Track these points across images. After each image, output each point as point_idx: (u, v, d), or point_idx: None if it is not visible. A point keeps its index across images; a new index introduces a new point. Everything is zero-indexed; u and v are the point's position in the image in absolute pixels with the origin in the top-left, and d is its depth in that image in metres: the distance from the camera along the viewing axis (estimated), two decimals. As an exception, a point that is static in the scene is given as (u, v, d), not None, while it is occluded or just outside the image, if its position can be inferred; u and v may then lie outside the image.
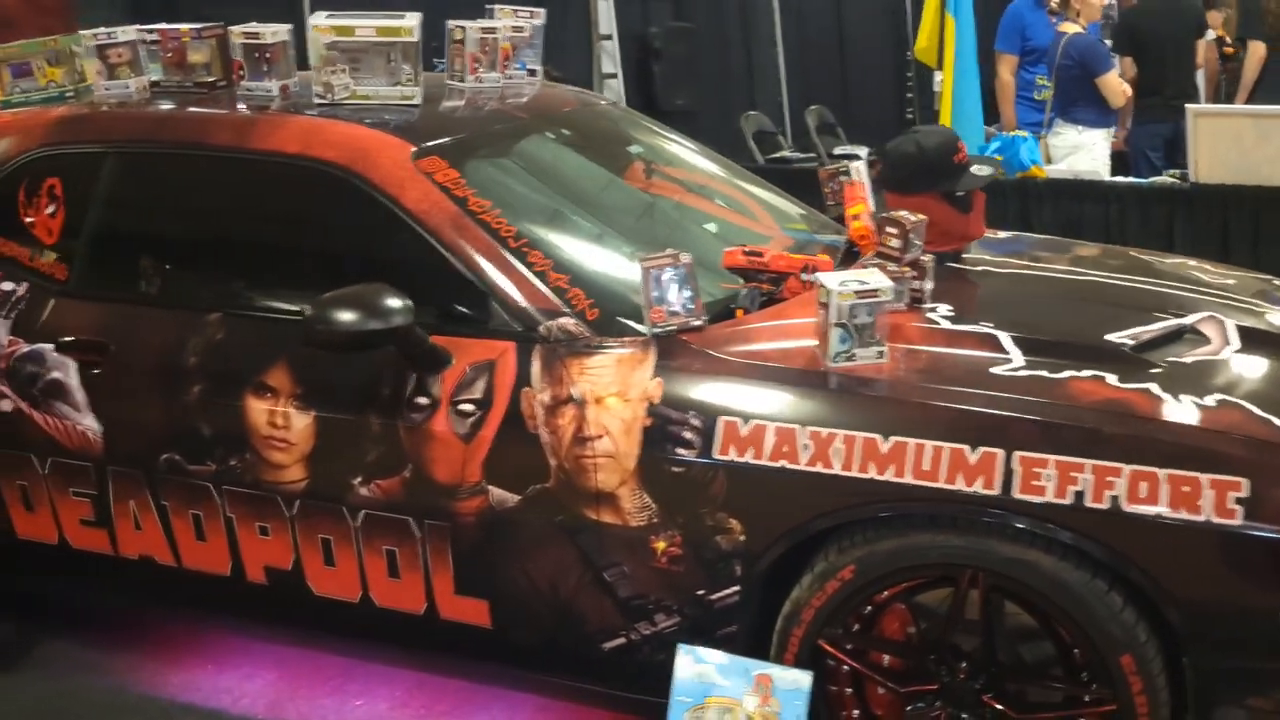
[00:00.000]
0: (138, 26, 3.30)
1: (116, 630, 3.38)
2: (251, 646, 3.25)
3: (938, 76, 5.67)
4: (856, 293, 2.41)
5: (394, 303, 2.50)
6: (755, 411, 2.38)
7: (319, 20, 2.96)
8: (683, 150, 3.62)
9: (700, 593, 2.47)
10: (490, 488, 2.56)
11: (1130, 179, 5.44)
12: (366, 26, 2.97)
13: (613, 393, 2.48)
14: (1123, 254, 3.56)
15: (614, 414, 2.46)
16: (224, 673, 3.20)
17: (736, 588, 2.44)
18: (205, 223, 3.03)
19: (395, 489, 2.64)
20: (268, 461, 2.74)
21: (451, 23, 3.27)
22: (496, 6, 3.59)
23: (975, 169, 2.98)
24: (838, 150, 8.84)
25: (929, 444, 2.27)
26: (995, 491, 2.22)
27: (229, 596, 2.94)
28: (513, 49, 3.48)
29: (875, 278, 2.46)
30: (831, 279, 2.45)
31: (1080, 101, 5.90)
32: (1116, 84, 5.82)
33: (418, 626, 2.74)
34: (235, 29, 3.11)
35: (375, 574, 2.73)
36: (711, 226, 3.20)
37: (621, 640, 2.57)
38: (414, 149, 2.80)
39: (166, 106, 3.10)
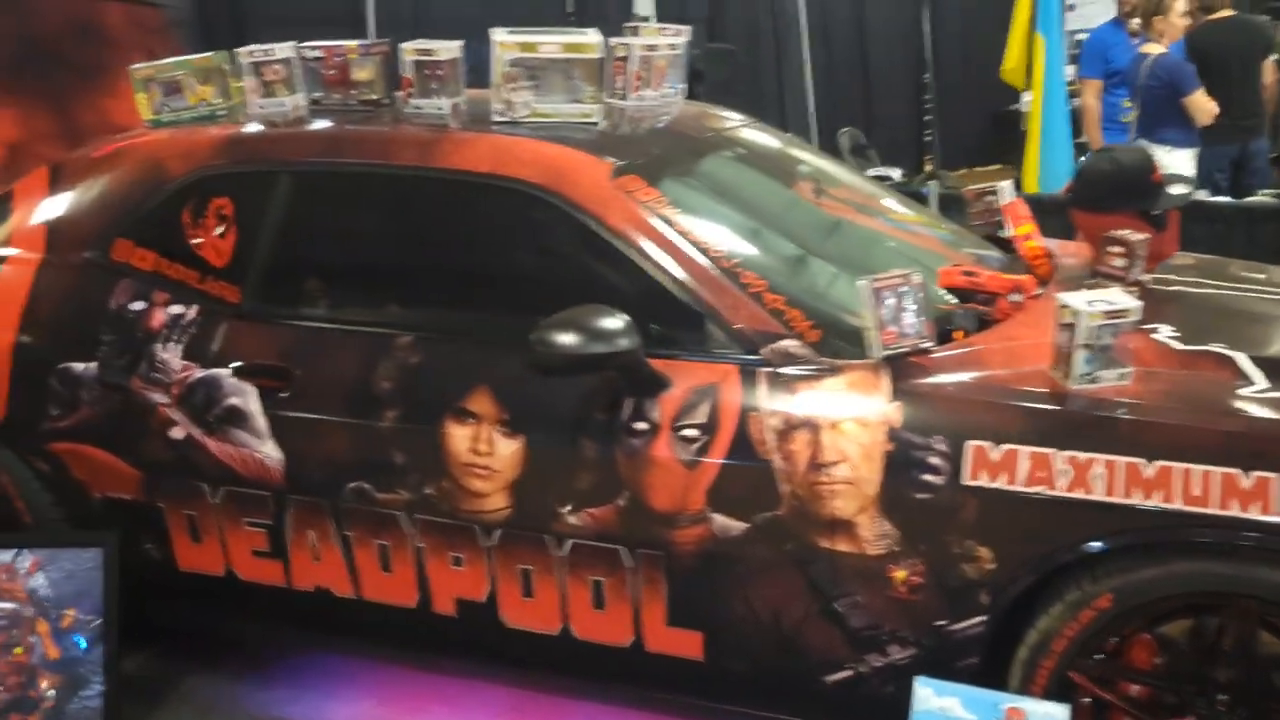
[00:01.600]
0: (294, 44, 3.22)
1: (256, 661, 3.28)
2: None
3: (1025, 97, 5.63)
4: (1105, 313, 2.34)
5: (618, 325, 2.42)
6: (1005, 436, 2.31)
7: (503, 36, 2.89)
8: (836, 168, 3.55)
9: (940, 623, 2.39)
10: (714, 515, 2.48)
11: (1231, 200, 5.41)
12: (551, 43, 2.90)
13: (849, 417, 2.40)
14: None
15: (852, 439, 2.39)
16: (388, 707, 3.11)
17: (982, 618, 2.36)
18: (389, 243, 2.95)
19: (608, 517, 2.55)
20: (467, 490, 2.65)
21: (615, 40, 3.20)
22: (640, 25, 3.53)
23: (1172, 188, 2.93)
24: (871, 172, 8.83)
25: (1198, 468, 2.20)
26: (1275, 517, 2.15)
27: (409, 629, 2.84)
28: (666, 67, 3.42)
29: (1121, 298, 2.40)
30: (1077, 299, 2.38)
31: (1167, 122, 5.87)
32: (1204, 103, 5.80)
33: (621, 659, 2.65)
34: (406, 45, 3.03)
35: (579, 605, 2.64)
36: (893, 245, 3.12)
37: (848, 673, 2.48)
38: (613, 167, 2.73)
39: (339, 125, 3.02)
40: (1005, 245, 3.29)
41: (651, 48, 3.30)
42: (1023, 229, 3.21)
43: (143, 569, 3.02)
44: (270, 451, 2.80)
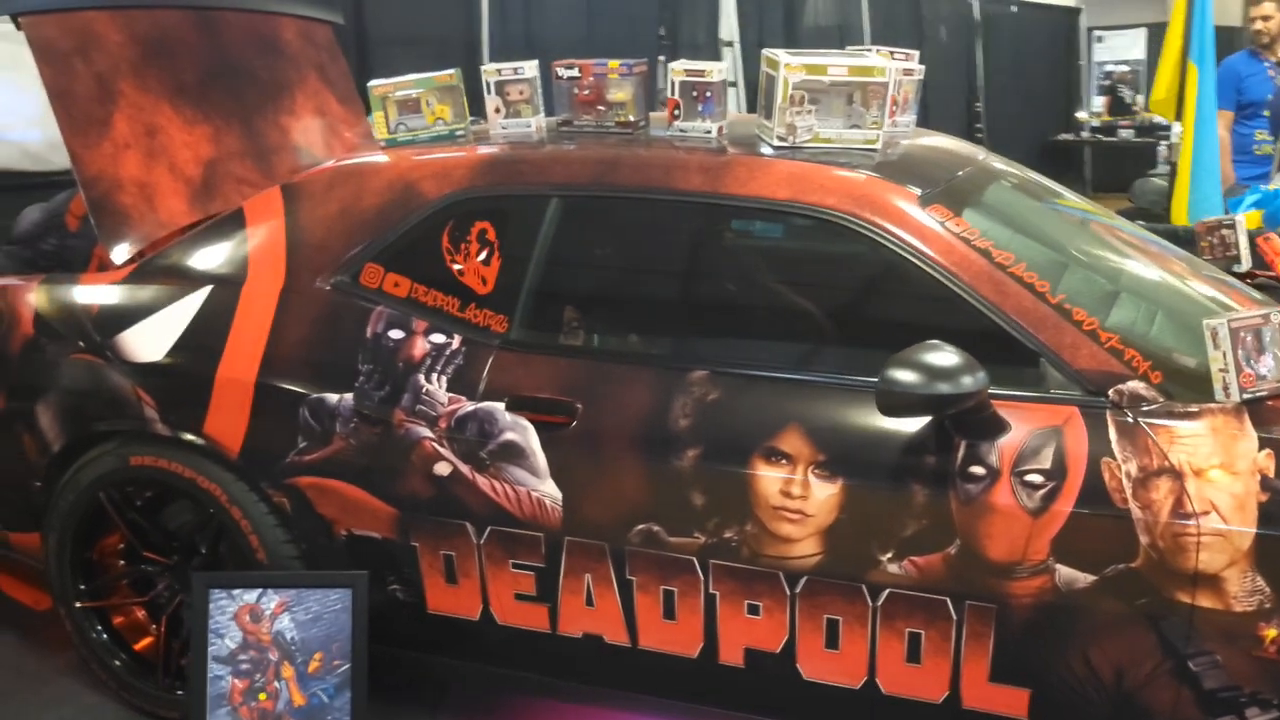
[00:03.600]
0: (535, 62, 3.10)
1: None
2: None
3: (1175, 129, 5.53)
4: None
5: (963, 364, 2.29)
6: (1397, 486, 2.18)
7: (788, 59, 2.76)
8: (1078, 198, 3.43)
9: (1311, 686, 2.25)
10: (1058, 566, 2.34)
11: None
12: (839, 66, 2.77)
13: (1215, 464, 2.27)
14: None
15: (1221, 488, 2.25)
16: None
17: (1361, 681, 2.23)
18: (675, 271, 2.81)
19: (934, 566, 2.41)
20: (774, 534, 2.51)
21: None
22: (874, 48, 3.41)
23: None
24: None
25: None
26: None
27: (683, 679, 2.69)
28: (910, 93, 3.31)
29: None
30: None
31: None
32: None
33: (931, 715, 2.51)
34: (675, 66, 2.90)
35: (889, 659, 2.50)
36: (1181, 280, 2.98)
37: (1195, 735, 2.34)
38: (919, 196, 2.60)
39: (610, 148, 2.88)
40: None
41: (910, 72, 3.20)
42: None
43: (383, 611, 2.87)
44: (549, 490, 2.66)
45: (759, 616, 2.57)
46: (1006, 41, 14.02)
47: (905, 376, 2.27)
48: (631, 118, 2.99)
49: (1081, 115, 13.48)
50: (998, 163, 3.29)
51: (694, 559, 2.58)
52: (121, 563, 3.24)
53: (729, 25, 8.97)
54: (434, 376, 2.76)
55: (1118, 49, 14.68)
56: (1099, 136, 12.81)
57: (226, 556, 3.08)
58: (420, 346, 2.80)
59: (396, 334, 2.82)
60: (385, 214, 2.91)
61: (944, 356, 2.27)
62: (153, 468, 3.00)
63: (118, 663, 3.16)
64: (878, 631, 2.49)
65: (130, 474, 3.04)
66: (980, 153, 3.31)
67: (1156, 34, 15.34)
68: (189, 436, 2.94)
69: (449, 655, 2.93)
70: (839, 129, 2.81)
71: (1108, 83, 13.92)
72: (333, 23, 4.32)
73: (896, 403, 2.29)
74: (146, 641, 3.21)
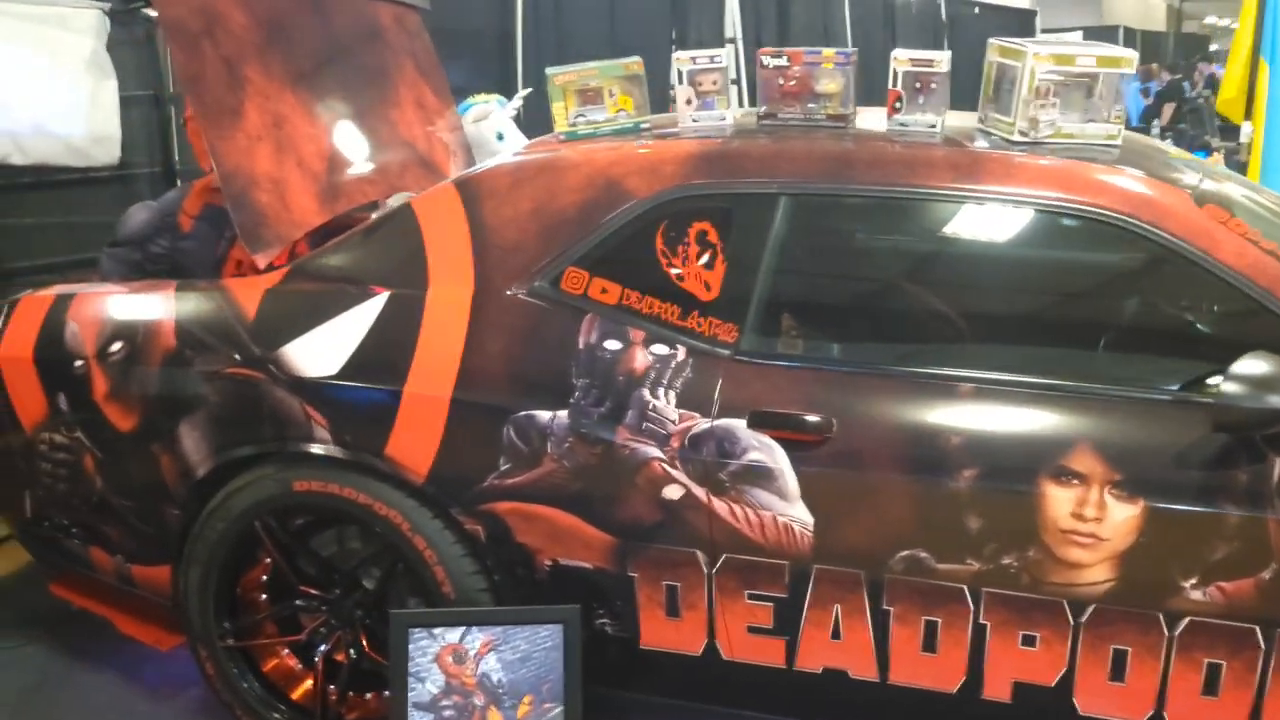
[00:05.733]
0: (725, 50, 2.88)
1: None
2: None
3: (1245, 128, 5.48)
4: None
5: None
6: None
7: (1036, 48, 2.58)
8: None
9: None
10: (1386, 591, 2.19)
11: None
12: (1087, 56, 2.60)
13: None
14: None
15: None
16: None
17: None
18: (924, 274, 2.61)
19: (1244, 593, 2.25)
20: (1061, 560, 2.32)
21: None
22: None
23: None
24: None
25: None
26: None
27: (937, 713, 2.50)
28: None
29: None
30: None
31: None
32: None
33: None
34: (899, 54, 2.71)
35: (1181, 691, 2.32)
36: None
37: None
38: (1190, 195, 2.44)
39: (839, 142, 2.66)
40: None
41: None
42: None
43: (588, 647, 2.63)
44: (798, 515, 2.44)
45: (1034, 648, 2.38)
46: (971, 41, 14.13)
47: (1252, 391, 2.10)
48: (842, 110, 2.79)
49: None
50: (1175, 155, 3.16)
51: (964, 587, 2.38)
52: (264, 597, 2.94)
53: (733, 22, 8.84)
54: (660, 391, 2.52)
55: (1061, 50, 15.12)
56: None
57: (392, 589, 2.82)
58: (642, 358, 2.56)
59: (613, 345, 2.58)
60: (587, 214, 2.66)
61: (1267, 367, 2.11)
62: (320, 493, 2.72)
63: (277, 715, 2.86)
64: (1171, 662, 2.32)
65: (293, 500, 2.75)
66: (1158, 144, 3.17)
67: (1091, 36, 15.75)
68: (368, 459, 2.66)
69: (661, 693, 2.70)
70: (1078, 123, 2.64)
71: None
72: (419, 9, 4.04)
73: (1238, 419, 2.12)
74: (304, 688, 2.92)
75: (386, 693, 2.87)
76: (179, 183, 5.14)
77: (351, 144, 3.43)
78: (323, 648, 2.88)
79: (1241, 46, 5.41)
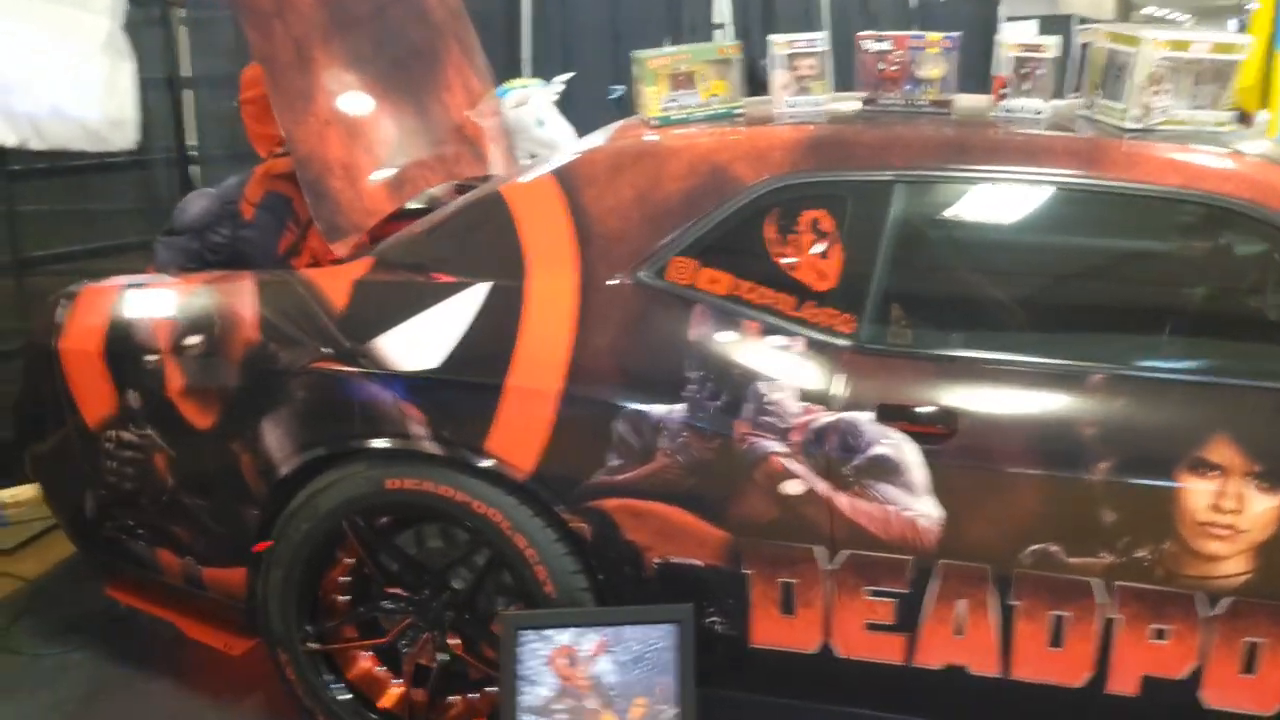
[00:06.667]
0: (828, 32, 2.82)
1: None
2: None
3: (1262, 116, 5.50)
4: None
5: None
6: None
7: (1152, 34, 2.55)
8: None
9: None
10: None
11: None
12: (1202, 42, 2.57)
13: None
14: None
15: None
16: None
17: None
18: (1047, 263, 2.56)
19: (1384, 583, 2.24)
20: (1197, 552, 2.29)
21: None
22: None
23: None
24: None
25: None
26: None
27: (1060, 708, 2.46)
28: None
29: None
30: None
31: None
32: None
33: (1355, 741, 2.34)
34: (1005, 40, 2.66)
35: (1314, 682, 2.32)
36: None
37: None
38: (1308, 185, 2.42)
39: (955, 128, 2.61)
40: None
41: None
42: None
43: (696, 646, 2.56)
44: (926, 509, 2.39)
45: (1165, 641, 2.36)
46: (939, 28, 14.17)
47: None
48: (945, 96, 2.73)
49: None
50: None
51: (1095, 581, 2.35)
52: (344, 599, 2.84)
53: (721, 8, 8.77)
54: (779, 384, 2.46)
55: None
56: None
57: (489, 589, 2.73)
58: (757, 350, 2.49)
59: (726, 336, 2.51)
60: (693, 201, 2.59)
61: None
62: (414, 491, 2.62)
63: (365, 722, 2.78)
64: (1306, 654, 2.31)
65: (384, 498, 2.66)
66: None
67: (1046, 24, 15.87)
68: (467, 455, 2.57)
69: (771, 692, 2.64)
70: (1189, 110, 2.61)
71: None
72: (462, -11, 3.92)
73: None
74: (390, 693, 2.82)
75: (474, 694, 2.81)
76: (189, 169, 4.98)
77: (412, 129, 3.32)
78: (409, 650, 2.78)
79: (1259, 35, 5.43)
